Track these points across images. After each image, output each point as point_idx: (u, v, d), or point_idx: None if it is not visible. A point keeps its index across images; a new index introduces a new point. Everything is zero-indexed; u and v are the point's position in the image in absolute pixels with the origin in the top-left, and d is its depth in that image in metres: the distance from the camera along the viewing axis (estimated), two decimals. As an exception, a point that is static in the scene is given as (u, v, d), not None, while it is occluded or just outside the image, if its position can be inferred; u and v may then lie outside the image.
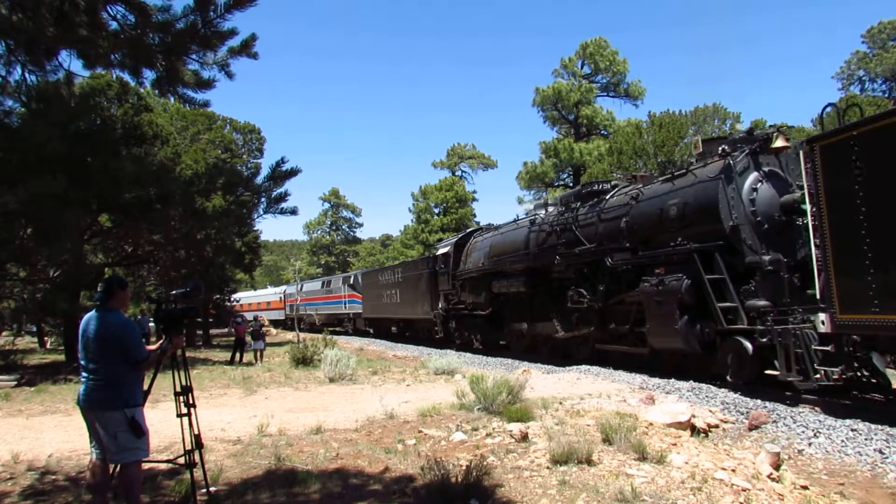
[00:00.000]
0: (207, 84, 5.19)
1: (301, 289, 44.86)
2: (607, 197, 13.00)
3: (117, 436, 4.01)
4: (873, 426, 6.52)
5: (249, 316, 46.48)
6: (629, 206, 11.85)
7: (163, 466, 5.40)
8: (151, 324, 22.29)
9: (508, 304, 16.79)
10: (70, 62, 5.34)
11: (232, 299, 34.75)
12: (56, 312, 19.60)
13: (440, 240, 49.21)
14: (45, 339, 31.10)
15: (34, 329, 33.48)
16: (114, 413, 4.02)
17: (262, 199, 18.65)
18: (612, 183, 14.02)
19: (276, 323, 47.78)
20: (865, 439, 6.21)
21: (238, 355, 20.10)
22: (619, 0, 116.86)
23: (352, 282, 34.65)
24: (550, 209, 15.46)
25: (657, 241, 10.95)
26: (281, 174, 16.48)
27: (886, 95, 39.99)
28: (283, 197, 18.43)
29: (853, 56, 46.48)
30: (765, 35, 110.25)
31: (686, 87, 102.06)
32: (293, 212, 19.16)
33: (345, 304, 35.78)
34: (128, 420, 4.01)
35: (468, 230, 21.42)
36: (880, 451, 5.88)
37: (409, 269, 24.84)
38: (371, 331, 32.73)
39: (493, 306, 17.42)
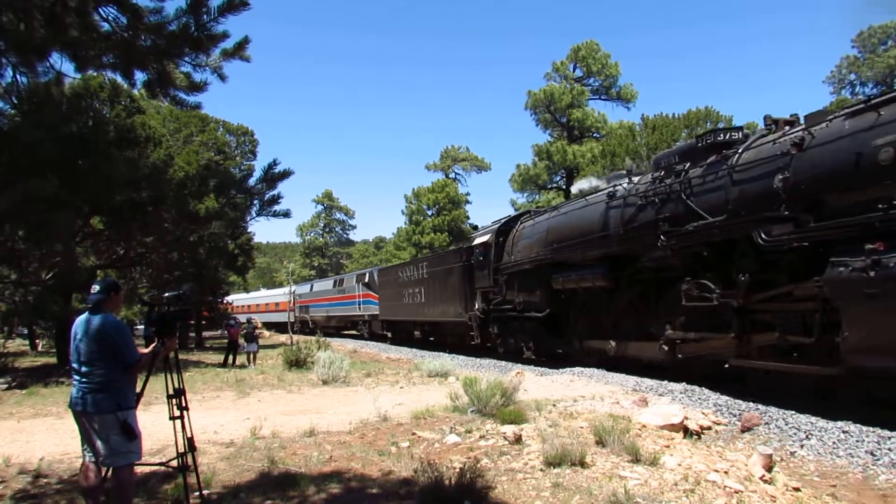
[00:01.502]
0: (199, 87, 5.19)
1: (312, 289, 41.78)
2: (740, 150, 9.15)
3: (109, 439, 3.99)
4: (864, 428, 6.55)
5: (262, 318, 45.27)
6: (788, 156, 8.05)
7: (156, 469, 5.37)
8: None
9: (574, 304, 13.50)
10: (62, 64, 5.33)
11: (224, 301, 34.60)
12: (48, 315, 19.50)
13: (430, 246, 49.68)
14: (37, 341, 30.94)
15: (25, 331, 33.30)
16: (106, 416, 4.00)
17: (255, 202, 18.61)
18: (745, 132, 10.08)
19: (284, 327, 44.95)
20: (857, 441, 6.25)
21: (231, 358, 20.07)
22: (611, 3, 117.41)
23: (367, 280, 31.14)
24: (637, 178, 11.72)
25: (845, 202, 7.34)
26: (273, 176, 16.48)
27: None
28: (275, 199, 18.39)
29: (844, 60, 46.87)
30: (757, 37, 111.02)
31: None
32: (286, 214, 19.08)
33: (359, 304, 32.23)
34: (120, 423, 4.00)
35: (512, 214, 18.12)
36: (871, 453, 5.91)
37: (437, 264, 21.31)
38: (389, 335, 28.75)
39: (552, 307, 13.98)
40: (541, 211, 16.22)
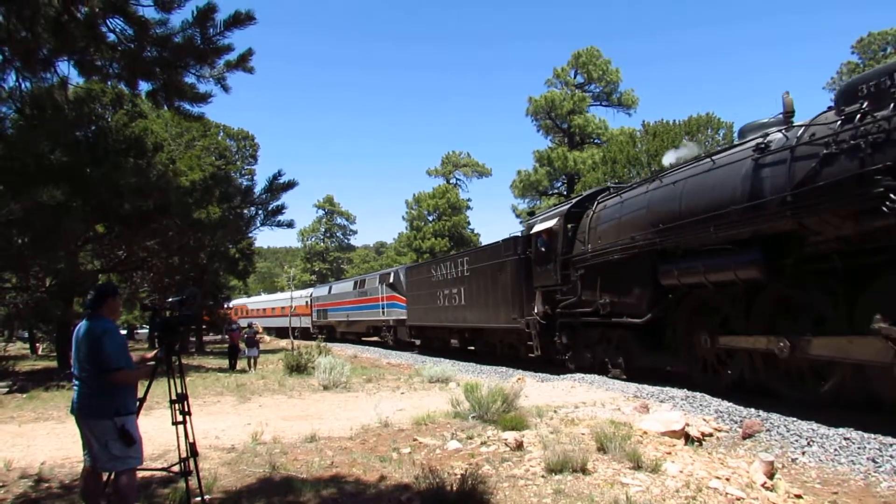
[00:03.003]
0: (204, 98, 5.24)
1: (330, 291, 38.06)
2: None
3: (108, 444, 3.99)
4: (866, 435, 6.56)
5: (274, 323, 44.07)
6: None
7: (157, 474, 5.38)
8: None
9: (687, 306, 10.15)
10: (68, 71, 5.37)
11: (227, 306, 34.59)
12: (49, 319, 19.54)
13: (430, 251, 49.60)
14: (37, 345, 30.95)
15: (25, 335, 33.32)
16: (104, 422, 3.99)
17: (259, 212, 18.64)
18: None
19: (301, 332, 40.38)
20: (858, 448, 6.25)
21: (234, 362, 20.13)
22: (612, 9, 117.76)
23: (391, 280, 27.65)
24: (802, 122, 8.32)
25: None
26: (278, 186, 16.52)
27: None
28: (279, 209, 18.41)
29: (844, 67, 46.96)
30: (757, 43, 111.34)
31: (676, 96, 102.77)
32: (290, 225, 19.04)
33: (383, 308, 28.73)
34: (118, 429, 3.98)
35: (586, 192, 14.68)
36: (873, 460, 5.91)
37: (483, 258, 17.87)
38: (417, 343, 25.48)
39: (656, 310, 10.56)
40: (625, 186, 12.72)
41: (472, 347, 20.44)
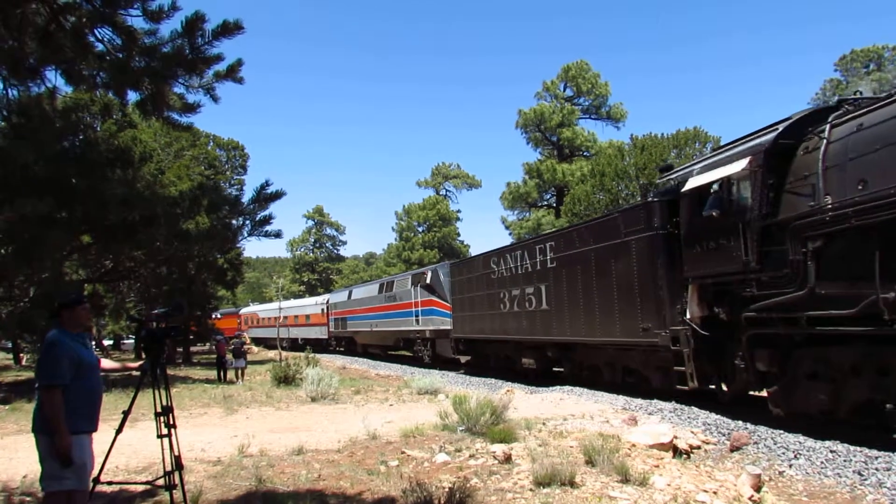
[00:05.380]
0: (192, 108, 5.21)
1: (350, 296, 32.07)
2: None
3: (45, 461, 3.72)
4: (852, 448, 6.60)
5: (288, 333, 41.93)
6: None
7: (141, 488, 5.31)
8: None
9: None
10: (56, 80, 5.35)
11: (213, 316, 34.28)
12: (33, 329, 19.31)
13: (419, 262, 49.50)
14: (21, 355, 30.55)
15: (9, 345, 32.92)
16: (43, 437, 3.72)
17: (247, 222, 18.55)
18: None
19: (317, 343, 35.27)
20: (844, 461, 6.28)
21: (222, 374, 19.98)
22: (602, 23, 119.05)
23: (428, 281, 22.12)
24: None
25: None
26: (266, 197, 16.45)
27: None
28: (267, 220, 18.34)
29: (827, 83, 47.66)
30: (744, 58, 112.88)
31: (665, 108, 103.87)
32: (277, 235, 18.94)
33: (416, 316, 23.14)
34: (53, 446, 3.69)
35: (796, 114, 8.19)
36: (859, 473, 5.94)
37: (581, 241, 12.68)
38: (463, 360, 20.31)
39: None
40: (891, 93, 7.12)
41: (560, 368, 14.61)
